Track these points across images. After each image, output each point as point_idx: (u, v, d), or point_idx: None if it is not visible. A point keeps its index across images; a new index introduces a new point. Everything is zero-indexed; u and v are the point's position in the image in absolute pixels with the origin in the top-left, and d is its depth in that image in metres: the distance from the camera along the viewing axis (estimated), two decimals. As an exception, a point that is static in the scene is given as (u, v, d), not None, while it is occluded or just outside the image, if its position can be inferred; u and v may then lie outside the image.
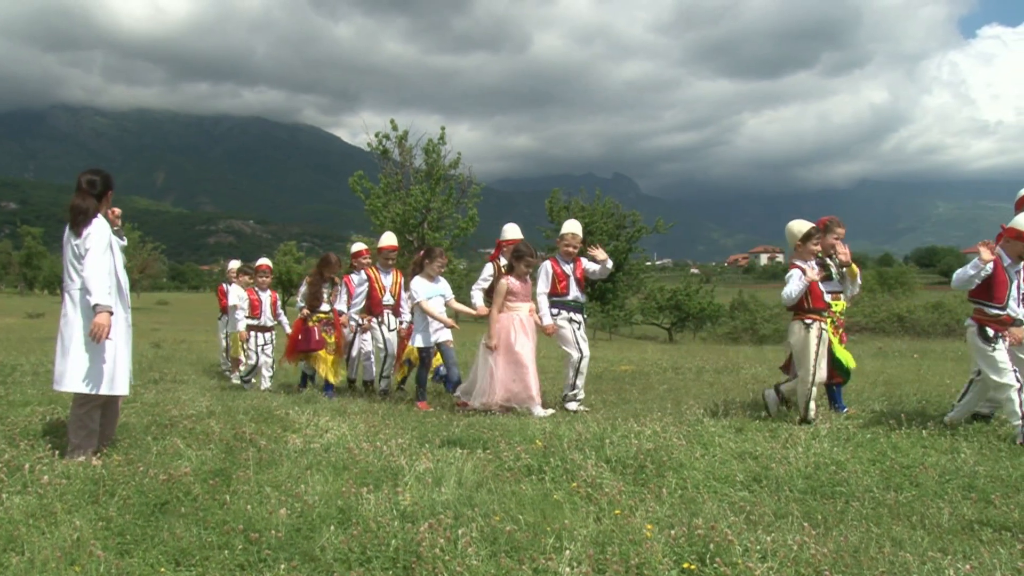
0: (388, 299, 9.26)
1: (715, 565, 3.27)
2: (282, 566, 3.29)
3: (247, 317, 10.13)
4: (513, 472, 4.91)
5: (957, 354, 15.44)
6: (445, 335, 8.38)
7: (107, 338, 4.99)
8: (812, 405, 6.49)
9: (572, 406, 7.67)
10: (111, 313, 5.00)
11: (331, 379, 9.25)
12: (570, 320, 7.85)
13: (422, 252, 8.74)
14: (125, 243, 5.69)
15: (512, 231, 8.67)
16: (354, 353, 9.69)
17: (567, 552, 3.40)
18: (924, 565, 3.31)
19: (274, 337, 10.38)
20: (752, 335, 29.33)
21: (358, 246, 9.97)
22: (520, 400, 7.50)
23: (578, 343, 7.78)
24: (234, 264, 12.18)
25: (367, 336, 9.39)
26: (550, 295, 7.80)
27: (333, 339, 9.33)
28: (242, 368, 11.19)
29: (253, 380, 10.20)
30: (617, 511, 4.05)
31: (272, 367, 10.45)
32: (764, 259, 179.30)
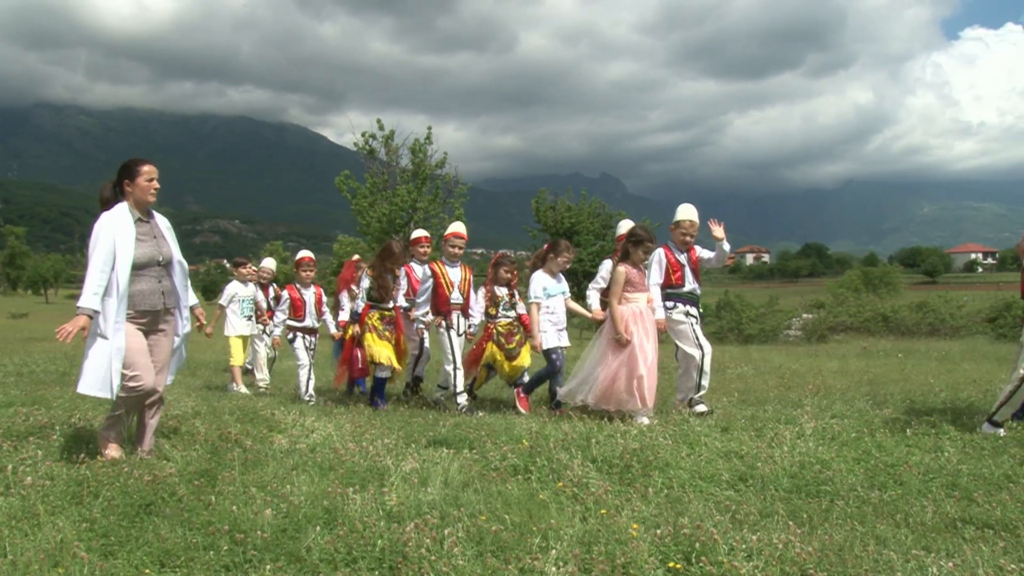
0: (456, 297, 8.04)
1: (701, 564, 3.28)
2: (268, 567, 3.27)
3: (290, 318, 9.29)
4: (499, 472, 4.91)
5: (941, 353, 15.57)
6: (565, 339, 7.79)
7: (72, 336, 4.73)
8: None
9: (701, 408, 7.05)
10: (90, 317, 4.79)
11: (397, 367, 8.30)
12: (686, 314, 7.25)
13: (546, 245, 8.08)
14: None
15: (627, 226, 7.88)
16: (415, 352, 8.76)
17: (553, 552, 3.41)
18: (908, 563, 3.34)
19: (316, 341, 9.49)
20: (738, 335, 29.43)
21: (419, 232, 9.08)
22: (622, 403, 6.81)
23: (697, 340, 7.19)
24: (268, 263, 11.48)
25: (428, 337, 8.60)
26: (663, 287, 7.23)
27: (395, 337, 8.36)
28: (260, 374, 10.47)
29: (310, 391, 9.12)
30: (603, 511, 4.06)
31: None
32: (750, 259, 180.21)
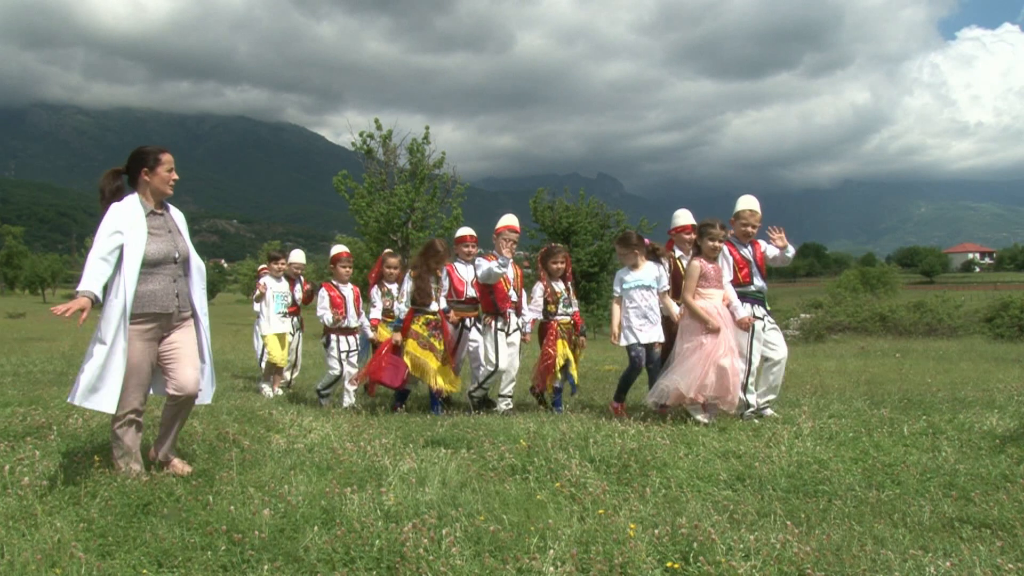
0: (513, 294, 7.72)
1: (698, 564, 3.28)
2: (265, 567, 3.27)
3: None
4: (497, 472, 4.91)
5: (939, 353, 15.58)
6: (656, 334, 7.13)
7: (70, 312, 4.26)
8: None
9: (770, 412, 6.77)
10: (92, 301, 4.31)
11: (445, 385, 7.65)
12: (753, 315, 6.81)
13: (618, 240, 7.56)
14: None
15: (684, 216, 7.64)
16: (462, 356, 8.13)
17: (551, 552, 3.41)
18: (905, 563, 3.34)
19: (359, 342, 8.68)
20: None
21: (464, 231, 8.26)
22: (722, 394, 6.38)
23: (768, 344, 6.83)
24: (298, 256, 10.52)
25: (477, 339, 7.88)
26: (731, 284, 6.77)
27: (441, 344, 7.69)
28: (286, 375, 10.02)
29: (330, 395, 8.55)
30: (601, 510, 4.06)
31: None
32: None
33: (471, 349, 7.91)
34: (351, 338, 8.52)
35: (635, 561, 3.31)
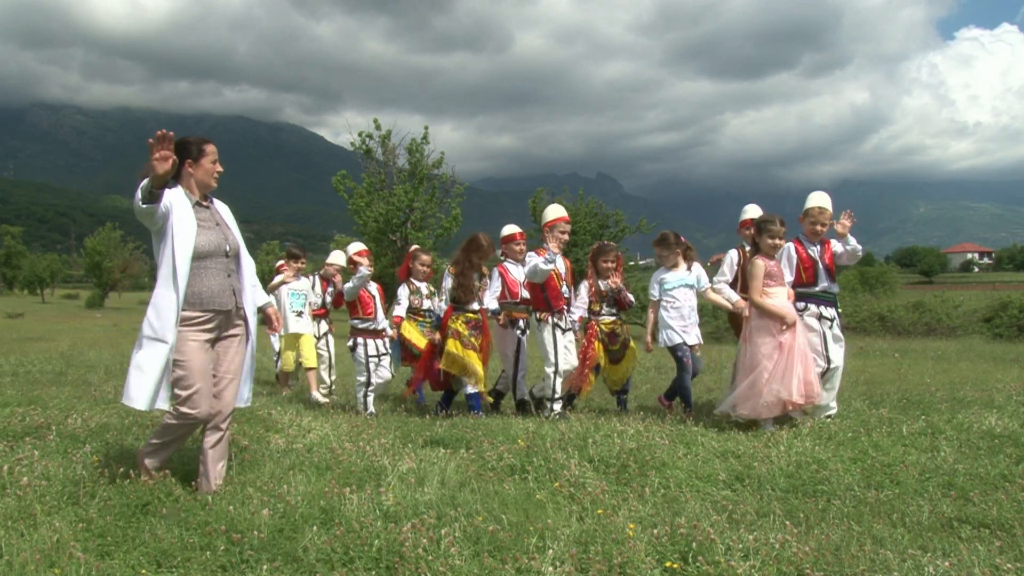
0: (566, 290, 7.41)
1: (697, 564, 3.28)
2: (264, 567, 3.27)
3: (353, 317, 7.96)
4: (496, 472, 4.91)
5: (937, 353, 15.57)
6: (697, 336, 7.07)
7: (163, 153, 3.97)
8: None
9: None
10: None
11: (482, 388, 7.38)
12: (820, 317, 6.50)
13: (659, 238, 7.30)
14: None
15: (753, 210, 7.32)
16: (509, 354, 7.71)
17: (550, 551, 3.41)
18: (904, 562, 3.34)
19: (387, 346, 8.09)
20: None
21: (510, 228, 7.89)
22: (814, 394, 6.13)
23: (826, 351, 6.46)
24: (338, 257, 9.68)
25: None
26: (794, 285, 6.51)
27: (480, 343, 7.45)
28: (326, 379, 9.38)
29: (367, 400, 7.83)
30: (600, 510, 4.06)
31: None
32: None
33: (508, 352, 7.64)
34: (379, 341, 7.92)
35: (634, 561, 3.31)
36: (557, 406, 7.12)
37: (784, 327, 6.12)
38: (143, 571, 3.26)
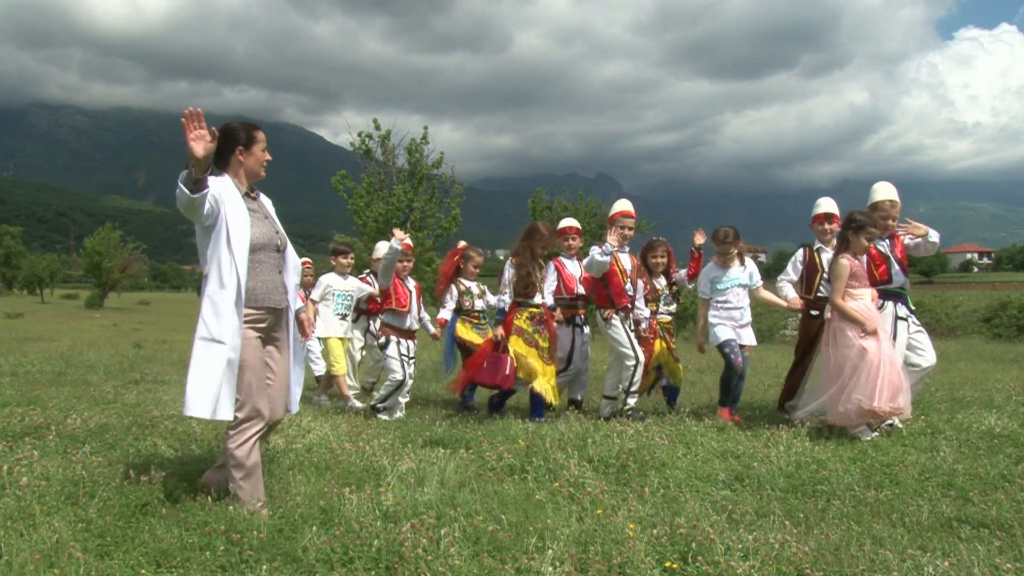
0: (630, 288, 7.06)
1: (697, 564, 3.28)
2: (264, 567, 3.27)
3: (386, 311, 7.50)
4: (496, 472, 4.91)
5: (937, 353, 15.56)
6: (750, 336, 6.83)
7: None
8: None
9: (898, 423, 6.12)
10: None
11: (550, 397, 6.91)
12: (894, 316, 6.29)
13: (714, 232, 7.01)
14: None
15: (828, 204, 7.04)
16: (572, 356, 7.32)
17: (550, 552, 3.41)
18: (904, 562, 3.34)
19: (416, 347, 7.70)
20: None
21: (566, 222, 7.57)
22: (905, 403, 5.77)
23: (918, 347, 6.29)
24: (382, 247, 8.74)
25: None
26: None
27: (546, 341, 7.05)
28: (370, 381, 8.95)
29: (390, 407, 7.38)
30: (599, 510, 4.06)
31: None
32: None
33: (563, 350, 7.27)
34: (411, 343, 7.52)
35: (634, 561, 3.31)
36: (632, 400, 6.91)
37: (863, 334, 5.79)
38: (142, 571, 3.26)
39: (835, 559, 3.38)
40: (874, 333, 5.77)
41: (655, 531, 3.65)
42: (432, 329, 7.79)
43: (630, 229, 7.06)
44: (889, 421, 5.92)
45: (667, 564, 3.33)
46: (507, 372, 6.81)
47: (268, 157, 4.25)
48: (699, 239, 7.19)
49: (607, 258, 6.72)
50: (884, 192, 6.43)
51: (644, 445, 5.42)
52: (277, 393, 4.22)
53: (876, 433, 5.77)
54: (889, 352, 5.81)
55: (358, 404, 8.22)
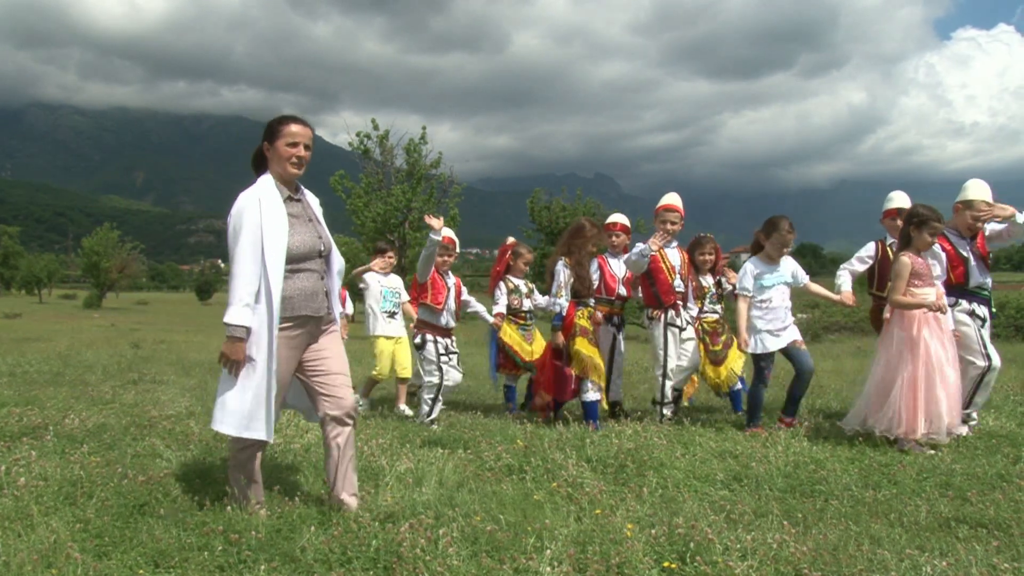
0: (679, 285, 6.84)
1: (695, 564, 3.28)
2: (262, 567, 3.27)
3: (422, 305, 7.09)
4: (494, 472, 4.91)
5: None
6: (793, 333, 6.40)
7: (233, 372, 3.69)
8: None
9: (962, 429, 5.88)
10: (241, 339, 3.66)
11: (605, 402, 6.72)
12: (972, 314, 5.99)
13: (765, 224, 6.65)
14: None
15: (901, 198, 6.74)
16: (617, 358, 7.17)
17: (548, 552, 3.40)
18: (902, 562, 3.34)
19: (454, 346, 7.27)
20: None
21: (614, 218, 7.37)
22: (938, 429, 5.47)
23: (984, 348, 5.92)
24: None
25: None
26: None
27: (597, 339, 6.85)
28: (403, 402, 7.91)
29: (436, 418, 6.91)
30: (598, 510, 4.06)
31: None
32: (744, 258, 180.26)
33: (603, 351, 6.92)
34: (449, 340, 7.16)
35: (632, 561, 3.30)
36: (667, 410, 6.73)
37: (911, 342, 5.52)
38: (140, 571, 3.26)
39: (833, 559, 3.38)
40: (940, 309, 5.54)
41: (653, 531, 3.65)
42: (490, 319, 7.49)
43: (674, 223, 6.80)
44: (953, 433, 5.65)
45: (665, 564, 3.33)
46: (573, 386, 6.62)
47: (299, 152, 3.89)
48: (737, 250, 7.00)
49: (645, 260, 6.58)
50: (978, 190, 6.04)
51: (642, 445, 5.43)
52: (343, 387, 4.00)
53: (928, 449, 5.46)
54: (942, 364, 5.51)
55: (408, 410, 7.67)
